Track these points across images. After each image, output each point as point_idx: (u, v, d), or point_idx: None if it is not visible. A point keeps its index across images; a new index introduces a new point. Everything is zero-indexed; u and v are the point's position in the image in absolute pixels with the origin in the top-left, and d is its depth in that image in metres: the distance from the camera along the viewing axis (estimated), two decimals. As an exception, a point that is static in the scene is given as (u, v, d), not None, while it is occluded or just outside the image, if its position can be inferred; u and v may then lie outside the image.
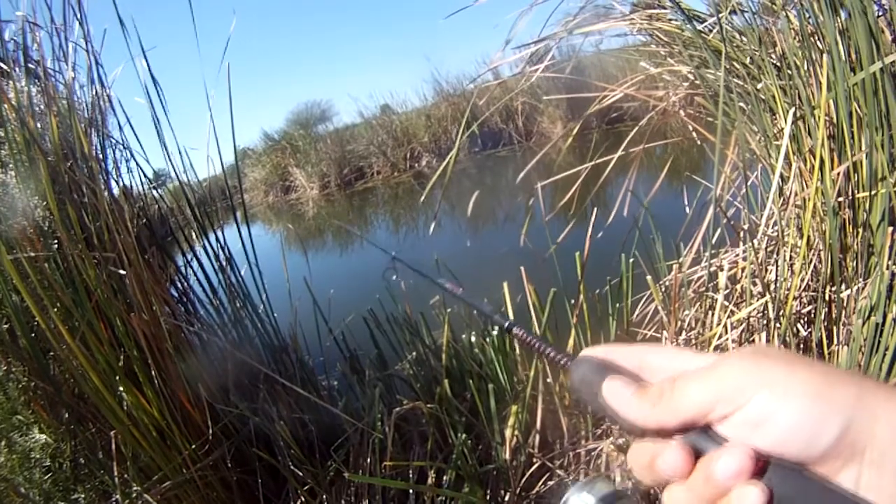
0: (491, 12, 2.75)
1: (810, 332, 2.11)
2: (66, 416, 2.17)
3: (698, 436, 0.47)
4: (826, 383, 0.43)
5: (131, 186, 2.64)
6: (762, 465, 0.43)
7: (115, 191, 2.51)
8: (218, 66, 2.58)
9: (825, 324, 2.05)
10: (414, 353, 2.65)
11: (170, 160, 2.60)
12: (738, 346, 2.18)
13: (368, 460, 2.31)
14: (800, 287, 2.10)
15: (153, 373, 2.15)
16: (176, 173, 2.64)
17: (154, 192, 2.89)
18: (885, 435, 0.40)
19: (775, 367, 0.45)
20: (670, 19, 2.49)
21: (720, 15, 2.19)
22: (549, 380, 2.33)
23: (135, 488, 2.17)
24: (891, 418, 0.41)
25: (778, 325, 1.99)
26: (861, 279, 1.96)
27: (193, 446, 2.26)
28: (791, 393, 0.43)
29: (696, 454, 0.47)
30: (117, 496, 2.12)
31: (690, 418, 0.47)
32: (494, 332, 2.33)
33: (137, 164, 2.59)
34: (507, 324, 0.76)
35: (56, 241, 2.11)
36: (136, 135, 2.57)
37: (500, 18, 2.71)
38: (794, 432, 0.42)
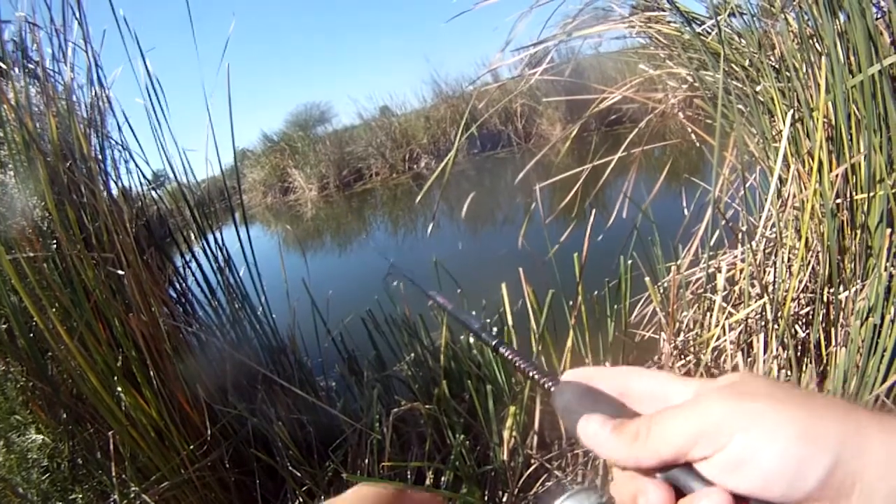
0: (490, 14, 2.76)
1: (808, 334, 2.11)
2: (65, 416, 2.17)
3: (680, 473, 0.46)
4: (811, 421, 0.41)
5: (130, 187, 2.64)
6: None
7: (114, 191, 2.51)
8: (217, 68, 2.59)
9: (823, 325, 2.05)
10: (412, 355, 2.65)
11: (168, 161, 2.60)
12: (737, 347, 2.19)
13: (366, 461, 2.31)
14: (798, 288, 2.10)
15: (151, 373, 2.15)
16: (175, 174, 2.64)
17: (153, 193, 2.89)
18: (873, 471, 0.39)
19: (758, 404, 0.43)
20: (669, 22, 2.50)
21: (719, 17, 2.20)
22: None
23: (133, 488, 2.18)
24: (879, 453, 0.40)
25: (776, 326, 2.00)
26: (859, 281, 1.96)
27: (191, 447, 2.26)
28: (774, 433, 0.41)
29: (679, 494, 0.46)
30: (115, 496, 2.12)
31: (670, 458, 0.46)
32: (493, 333, 2.33)
33: (136, 165, 2.59)
34: (494, 343, 0.75)
35: (55, 242, 2.11)
36: (135, 136, 2.58)
37: (500, 21, 2.71)
38: (777, 475, 0.41)
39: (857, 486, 0.39)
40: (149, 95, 2.48)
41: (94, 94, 2.41)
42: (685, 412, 0.46)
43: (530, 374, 0.65)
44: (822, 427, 0.41)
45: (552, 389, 0.59)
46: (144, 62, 2.46)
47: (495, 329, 2.35)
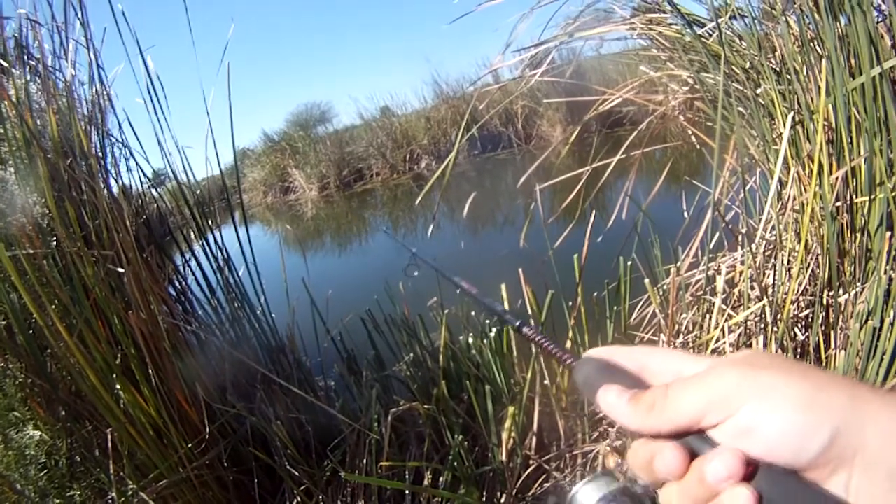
0: (491, 15, 2.76)
1: (807, 336, 2.11)
2: (63, 413, 2.17)
3: (693, 439, 0.48)
4: (817, 391, 0.43)
5: (130, 185, 2.64)
6: (752, 470, 0.44)
7: (115, 189, 2.51)
8: (217, 67, 2.59)
9: (822, 328, 2.05)
10: (411, 355, 2.65)
11: (168, 160, 2.60)
12: (736, 349, 2.18)
13: (365, 460, 2.31)
14: (797, 291, 2.11)
15: (150, 371, 2.15)
16: (174, 173, 2.64)
17: (153, 191, 2.89)
18: (875, 441, 0.41)
19: (767, 375, 0.46)
20: (670, 24, 2.50)
21: (720, 20, 2.20)
22: (546, 382, 2.33)
23: (131, 486, 2.17)
24: (881, 425, 0.41)
25: (775, 328, 2.00)
26: (859, 284, 1.96)
27: (190, 445, 2.26)
28: (781, 402, 0.43)
29: (693, 456, 0.48)
30: (113, 494, 2.11)
31: (684, 425, 0.48)
32: (492, 334, 2.33)
33: (137, 163, 2.59)
34: (517, 323, 0.82)
35: (54, 239, 2.11)
36: (135, 134, 2.58)
37: (501, 22, 2.72)
38: (783, 440, 0.43)
39: (857, 455, 0.41)
40: (149, 93, 2.48)
41: (94, 91, 2.42)
42: (698, 382, 0.48)
43: (553, 351, 0.70)
44: (825, 399, 0.43)
45: (573, 365, 0.63)
46: (144, 61, 2.46)
47: (494, 330, 2.35)
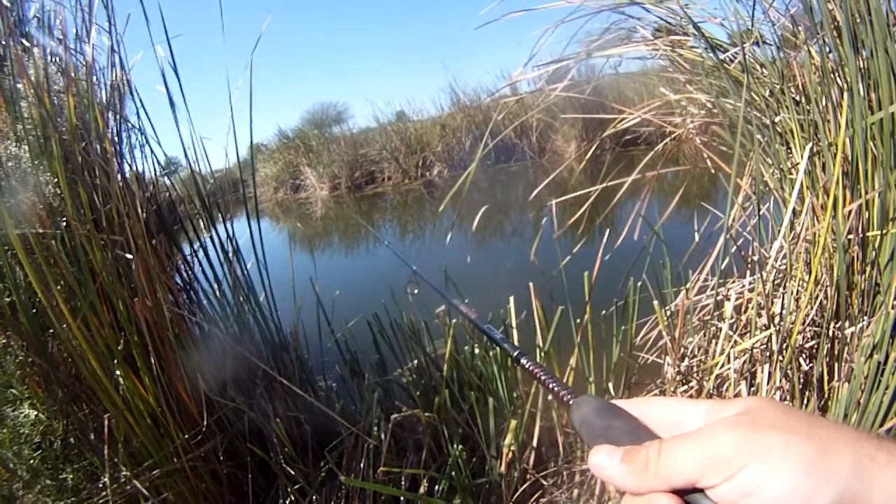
0: (513, 28, 2.77)
1: (812, 367, 2.10)
2: (61, 394, 2.17)
3: (693, 496, 0.47)
4: (820, 454, 0.42)
5: (144, 171, 2.65)
6: None
7: (128, 175, 2.51)
8: (241, 59, 2.60)
9: (827, 359, 2.05)
10: (415, 362, 2.65)
11: (184, 148, 2.61)
12: (740, 376, 2.18)
13: (362, 464, 2.31)
14: (804, 322, 2.10)
15: (152, 360, 2.15)
16: (189, 162, 2.64)
17: (166, 178, 2.89)
18: (880, 501, 0.40)
19: (768, 435, 0.44)
20: (692, 47, 2.50)
21: (744, 45, 2.20)
22: (549, 397, 2.33)
23: (124, 473, 2.17)
24: (887, 484, 0.41)
25: (780, 357, 1.99)
26: (865, 317, 1.96)
27: (186, 436, 2.26)
28: (782, 465, 0.42)
29: None
30: (106, 479, 2.11)
31: (680, 485, 0.47)
32: (497, 347, 2.33)
33: (151, 149, 2.59)
34: (515, 354, 0.78)
35: (64, 220, 2.11)
36: (150, 121, 2.58)
37: (524, 35, 2.72)
38: None
39: None
40: (167, 81, 2.49)
41: (114, 76, 2.42)
42: (696, 441, 0.47)
43: (550, 386, 0.67)
44: (829, 460, 0.42)
45: (570, 403, 0.61)
46: (170, 47, 2.47)
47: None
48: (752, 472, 0.43)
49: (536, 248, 2.62)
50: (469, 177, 2.55)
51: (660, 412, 0.55)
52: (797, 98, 2.18)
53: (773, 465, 0.42)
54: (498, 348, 2.32)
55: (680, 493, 0.47)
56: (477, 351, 2.43)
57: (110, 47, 2.37)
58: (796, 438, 0.43)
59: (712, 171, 2.66)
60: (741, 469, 0.43)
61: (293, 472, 2.36)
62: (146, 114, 2.56)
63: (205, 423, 2.29)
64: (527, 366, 0.74)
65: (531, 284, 2.36)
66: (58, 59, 2.35)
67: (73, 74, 2.29)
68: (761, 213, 2.39)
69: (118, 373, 2.11)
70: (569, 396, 0.62)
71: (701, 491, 0.46)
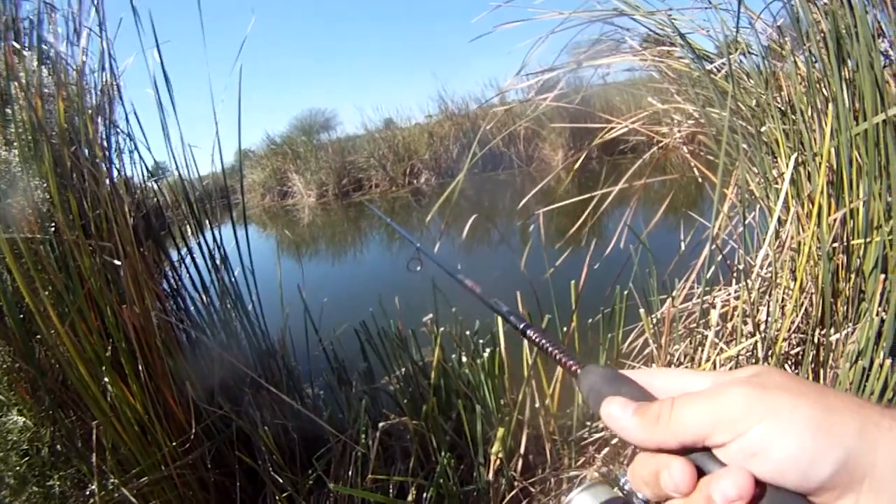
0: (503, 37, 2.78)
1: (797, 374, 2.11)
2: (48, 401, 2.16)
3: (699, 455, 0.47)
4: (828, 415, 0.43)
5: (132, 177, 2.64)
6: (760, 492, 0.44)
7: (117, 180, 2.50)
8: (229, 65, 2.60)
9: (812, 366, 2.06)
10: (402, 369, 2.65)
11: (172, 154, 2.60)
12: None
13: (350, 472, 2.31)
14: (790, 329, 2.12)
15: (140, 366, 2.14)
16: (177, 168, 2.64)
17: (154, 184, 2.88)
18: (884, 465, 0.41)
19: (778, 396, 0.45)
20: (680, 57, 2.52)
21: (730, 56, 2.22)
22: (536, 405, 2.33)
23: (112, 480, 2.16)
24: (891, 449, 0.42)
25: (766, 364, 2.00)
26: (850, 324, 1.98)
27: (174, 444, 2.25)
28: (791, 425, 0.43)
29: (700, 474, 0.47)
30: (93, 486, 2.10)
31: (689, 441, 0.47)
32: (485, 354, 2.33)
33: (140, 155, 2.59)
34: (522, 326, 0.78)
35: (53, 225, 2.10)
36: (140, 126, 2.58)
37: (514, 46, 2.74)
38: (791, 464, 0.42)
39: (866, 479, 0.42)
40: (157, 87, 2.49)
41: (104, 80, 2.42)
42: (706, 399, 0.48)
43: (558, 357, 0.67)
44: (836, 422, 0.43)
45: (578, 371, 0.62)
46: (158, 53, 2.47)
47: (487, 350, 2.34)
48: (760, 432, 0.44)
49: (524, 257, 2.63)
50: (458, 185, 2.56)
51: (665, 382, 0.55)
52: (783, 108, 2.21)
53: (781, 426, 0.43)
54: (486, 354, 2.33)
55: (688, 451, 0.48)
56: (464, 359, 2.43)
57: (101, 52, 2.37)
58: (804, 401, 0.44)
59: (699, 179, 2.68)
60: (750, 428, 0.44)
61: (281, 480, 2.35)
62: (136, 119, 2.57)
63: (192, 430, 2.29)
64: (533, 337, 0.74)
65: (518, 293, 2.36)
66: (49, 63, 2.34)
67: (63, 78, 2.29)
68: (747, 221, 2.41)
69: (106, 379, 2.10)
70: (576, 366, 0.63)
71: (709, 450, 0.47)
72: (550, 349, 0.69)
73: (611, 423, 0.53)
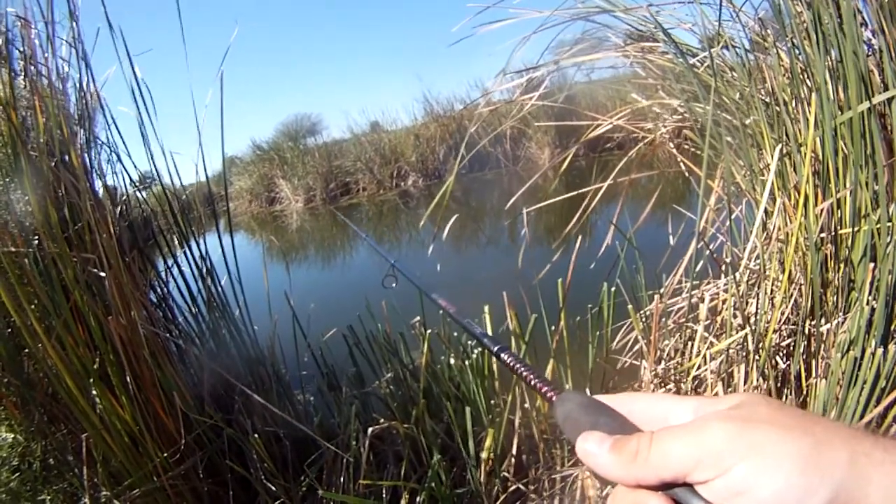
0: (487, 38, 2.78)
1: (789, 365, 2.12)
2: (38, 415, 2.14)
3: (684, 491, 0.45)
4: (815, 449, 0.41)
5: (115, 188, 2.62)
6: None
7: (99, 191, 2.49)
8: (212, 71, 2.59)
9: (804, 357, 2.06)
10: (392, 373, 2.64)
11: (154, 164, 2.59)
12: (717, 377, 2.19)
13: (342, 478, 2.30)
14: (780, 320, 2.11)
15: (128, 378, 2.13)
16: (160, 177, 2.63)
17: (138, 195, 2.87)
18: (877, 498, 0.39)
19: (763, 431, 0.43)
20: (663, 52, 2.52)
21: (712, 50, 2.22)
22: (526, 405, 2.33)
23: (104, 493, 2.15)
24: (883, 481, 0.40)
25: (757, 357, 2.00)
26: (841, 314, 1.98)
27: (165, 454, 2.24)
28: (777, 462, 0.41)
29: None
30: (86, 500, 2.09)
31: (669, 478, 0.45)
32: (474, 355, 2.32)
33: (123, 166, 2.58)
34: (496, 348, 0.75)
35: (36, 238, 2.09)
36: (120, 137, 2.56)
37: (496, 46, 2.74)
38: (779, 503, 0.40)
39: None
40: (136, 97, 2.48)
41: (84, 92, 2.40)
42: (687, 433, 0.45)
43: (532, 382, 0.64)
44: (825, 457, 0.41)
45: (554, 399, 0.59)
46: (132, 64, 2.45)
47: (476, 352, 2.34)
48: (745, 469, 0.41)
49: (509, 256, 2.62)
50: (449, 189, 2.55)
51: (646, 408, 0.53)
52: (767, 100, 2.21)
53: (767, 462, 0.41)
54: (475, 353, 2.31)
55: (668, 487, 0.46)
56: (453, 361, 2.42)
57: (79, 63, 2.35)
58: (791, 435, 0.42)
59: (686, 174, 2.68)
60: (733, 466, 0.42)
61: (274, 488, 2.34)
62: (117, 129, 2.55)
63: (183, 440, 2.27)
64: (507, 361, 0.71)
65: (504, 294, 2.35)
66: (27, 75, 2.32)
67: (42, 90, 2.27)
68: (734, 215, 2.42)
69: (94, 392, 2.09)
70: (552, 392, 0.60)
71: (689, 486, 0.45)
72: (525, 374, 0.67)
73: (587, 460, 0.51)
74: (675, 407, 0.52)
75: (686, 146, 2.79)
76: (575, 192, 2.74)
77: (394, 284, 1.33)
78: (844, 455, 0.41)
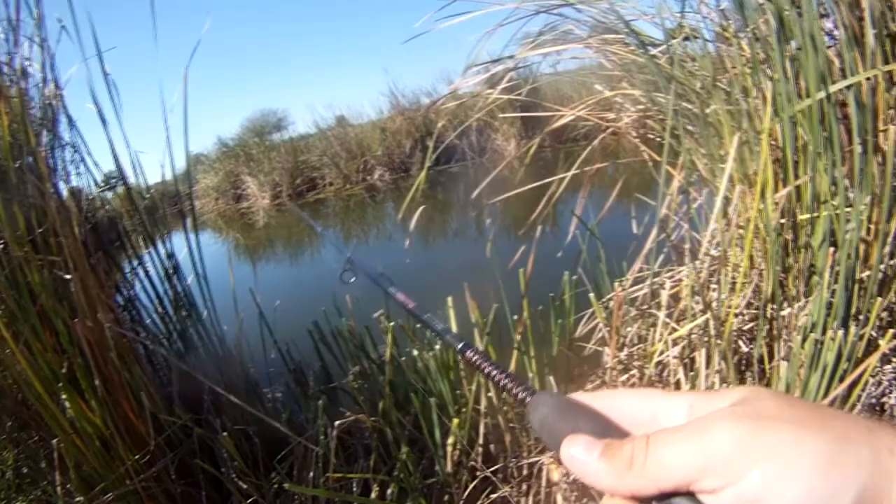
0: (452, 30, 2.78)
1: (751, 349, 2.15)
2: (10, 423, 2.12)
3: (684, 500, 0.40)
4: (838, 446, 0.36)
5: (80, 189, 2.60)
6: None
7: (64, 193, 2.46)
8: (177, 69, 2.58)
9: (766, 340, 2.10)
10: (358, 367, 2.64)
11: (119, 164, 2.57)
12: (680, 361, 2.22)
13: (312, 472, 2.30)
14: (741, 305, 2.15)
15: (96, 381, 2.12)
16: (125, 177, 2.60)
17: (102, 195, 2.84)
18: None
19: (778, 431, 0.38)
20: (626, 44, 2.54)
21: (672, 41, 2.25)
22: (490, 394, 2.34)
23: (77, 499, 2.14)
24: None
25: (718, 341, 2.03)
26: (802, 298, 2.02)
27: (137, 457, 2.23)
28: (797, 466, 0.36)
29: None
30: (59, 506, 2.08)
31: (670, 488, 0.40)
32: (437, 347, 2.32)
33: (87, 166, 2.55)
34: (460, 346, 0.69)
35: (2, 242, 2.07)
36: (82, 138, 2.53)
37: (462, 38, 2.75)
38: None
39: None
40: (96, 97, 2.45)
41: (47, 92, 2.37)
42: (689, 437, 0.40)
43: (501, 381, 0.58)
44: (847, 456, 0.36)
45: (527, 400, 0.53)
46: (101, 62, 2.43)
47: (439, 342, 2.34)
48: (760, 476, 0.37)
49: (480, 249, 2.64)
50: (420, 185, 2.57)
51: (630, 407, 0.48)
52: (728, 89, 2.24)
53: (786, 467, 0.36)
54: (437, 346, 2.32)
55: (667, 497, 0.40)
56: (417, 353, 2.42)
57: (42, 62, 2.32)
58: (809, 433, 0.37)
59: (650, 163, 2.71)
60: (747, 473, 0.37)
61: (246, 486, 2.34)
62: (77, 131, 2.52)
63: (153, 442, 2.26)
64: (473, 359, 0.64)
65: (465, 284, 2.35)
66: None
67: (3, 90, 2.24)
68: (697, 203, 2.45)
69: (63, 396, 2.07)
70: (524, 394, 0.54)
71: (692, 495, 0.39)
72: (493, 373, 0.60)
73: (573, 467, 0.45)
74: (666, 404, 0.47)
75: (650, 136, 2.83)
76: (540, 182, 2.76)
77: (353, 279, 1.32)
78: (867, 452, 0.37)
